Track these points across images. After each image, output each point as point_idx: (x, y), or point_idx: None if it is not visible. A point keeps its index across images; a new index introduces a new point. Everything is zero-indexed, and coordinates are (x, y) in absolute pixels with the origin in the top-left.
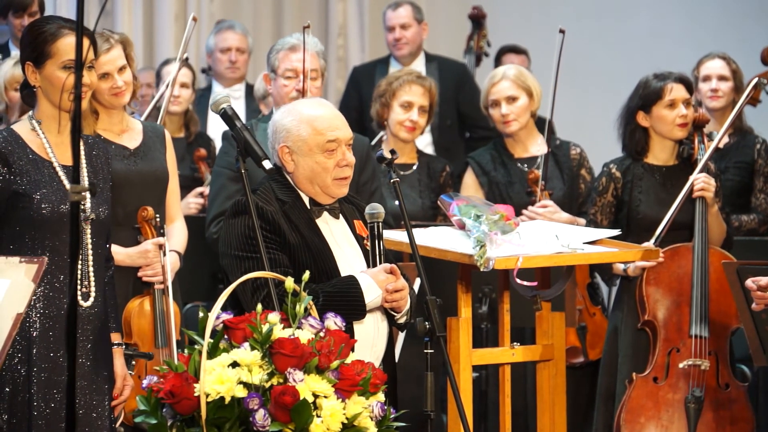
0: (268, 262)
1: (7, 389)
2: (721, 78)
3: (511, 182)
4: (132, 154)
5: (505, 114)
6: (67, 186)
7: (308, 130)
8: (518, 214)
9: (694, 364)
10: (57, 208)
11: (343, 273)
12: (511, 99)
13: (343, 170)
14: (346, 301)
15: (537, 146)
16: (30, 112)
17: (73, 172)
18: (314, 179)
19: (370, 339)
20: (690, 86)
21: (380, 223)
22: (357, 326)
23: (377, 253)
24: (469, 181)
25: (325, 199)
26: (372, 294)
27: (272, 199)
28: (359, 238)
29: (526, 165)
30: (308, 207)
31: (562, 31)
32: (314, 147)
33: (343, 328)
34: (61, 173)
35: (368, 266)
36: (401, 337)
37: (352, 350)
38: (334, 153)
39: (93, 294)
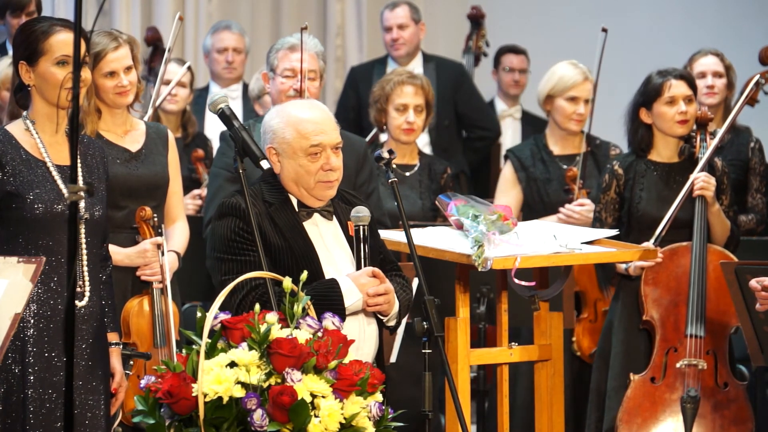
0: (248, 264)
1: (1, 389)
2: (716, 74)
3: (550, 179)
4: (133, 157)
5: (581, 113)
6: (61, 186)
7: (293, 133)
8: (555, 211)
9: (691, 363)
10: (50, 208)
11: (328, 276)
12: (587, 101)
13: (328, 174)
14: (326, 304)
15: (576, 144)
16: (24, 113)
17: (71, 173)
18: (298, 181)
19: (355, 342)
20: (692, 83)
21: (365, 227)
22: None
23: (362, 256)
24: (508, 175)
25: (312, 201)
26: (352, 298)
27: (259, 200)
28: (351, 240)
29: (564, 163)
30: (296, 209)
31: (604, 30)
32: (298, 150)
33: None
34: (54, 173)
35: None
36: (399, 337)
37: None
38: (318, 157)
39: (88, 293)
